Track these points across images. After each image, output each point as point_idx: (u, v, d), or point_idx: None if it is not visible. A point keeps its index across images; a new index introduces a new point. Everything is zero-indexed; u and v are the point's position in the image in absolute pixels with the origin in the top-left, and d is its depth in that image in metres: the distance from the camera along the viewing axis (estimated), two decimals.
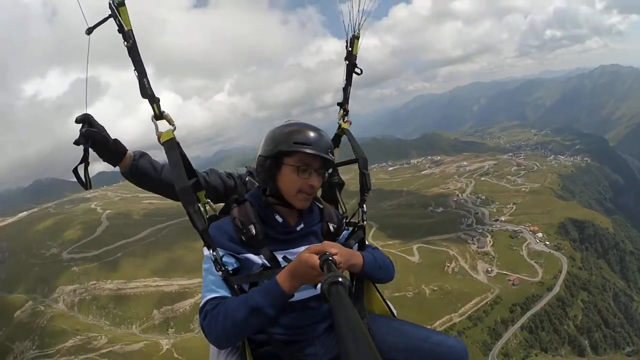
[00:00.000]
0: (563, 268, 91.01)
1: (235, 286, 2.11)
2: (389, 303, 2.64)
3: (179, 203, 2.16)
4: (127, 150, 2.50)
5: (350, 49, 3.15)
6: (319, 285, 1.55)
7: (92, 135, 2.26)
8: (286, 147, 2.14)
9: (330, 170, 2.88)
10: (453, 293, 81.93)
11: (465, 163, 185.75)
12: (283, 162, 2.19)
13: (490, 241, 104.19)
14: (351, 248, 2.43)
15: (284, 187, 2.23)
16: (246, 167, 3.30)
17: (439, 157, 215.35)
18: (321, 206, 2.54)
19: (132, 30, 2.29)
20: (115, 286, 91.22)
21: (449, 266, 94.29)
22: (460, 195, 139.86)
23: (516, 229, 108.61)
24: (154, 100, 2.37)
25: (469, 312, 77.89)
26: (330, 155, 2.21)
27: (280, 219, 2.30)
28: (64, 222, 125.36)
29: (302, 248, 2.10)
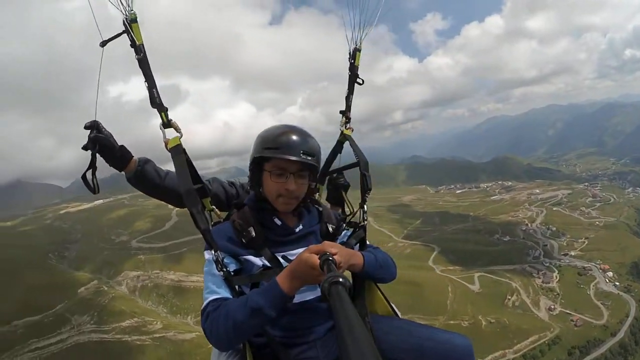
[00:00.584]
0: (631, 312, 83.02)
1: (237, 287, 2.13)
2: (391, 303, 2.63)
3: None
4: (133, 156, 2.61)
5: (352, 60, 3.19)
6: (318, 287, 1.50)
7: (100, 141, 2.36)
8: (257, 153, 2.19)
9: (336, 174, 3.18)
10: (510, 328, 77.49)
11: (537, 191, 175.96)
12: (263, 168, 2.24)
13: (556, 277, 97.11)
14: (352, 248, 2.46)
15: (266, 192, 2.27)
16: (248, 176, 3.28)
17: (509, 183, 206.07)
18: (320, 208, 2.56)
19: (143, 44, 2.42)
20: (176, 277, 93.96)
21: (509, 299, 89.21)
22: (529, 224, 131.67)
23: (586, 265, 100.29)
24: (162, 109, 2.47)
25: (525, 350, 73.28)
26: (305, 157, 2.17)
27: (279, 222, 2.32)
28: (136, 214, 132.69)
29: (301, 249, 2.07)
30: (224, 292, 2.06)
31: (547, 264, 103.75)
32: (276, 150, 2.12)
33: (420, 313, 74.62)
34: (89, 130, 2.37)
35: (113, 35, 2.43)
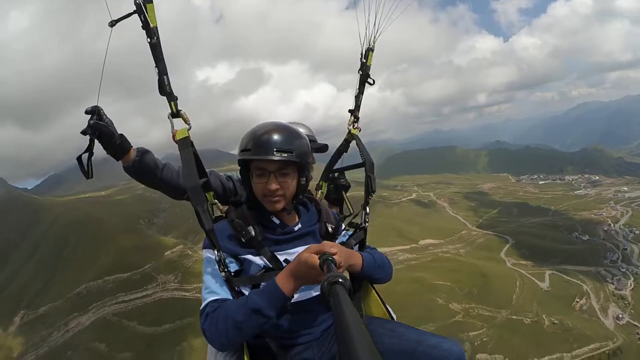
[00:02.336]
0: None
1: (236, 288, 2.10)
2: (387, 306, 2.56)
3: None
4: (132, 146, 2.51)
5: (364, 60, 3.14)
6: (318, 286, 1.62)
7: (99, 128, 2.25)
8: (239, 156, 2.16)
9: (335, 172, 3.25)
10: (572, 331, 73.95)
11: (625, 188, 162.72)
12: (249, 169, 2.21)
13: (631, 284, 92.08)
14: (352, 248, 2.46)
15: (255, 192, 2.23)
16: None
17: (597, 177, 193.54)
18: (319, 207, 2.51)
19: (157, 27, 2.31)
20: None
21: (577, 302, 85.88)
22: (612, 225, 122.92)
23: None
24: (172, 98, 2.39)
25: (583, 356, 69.49)
26: (280, 155, 2.07)
27: (277, 221, 2.28)
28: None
29: (300, 248, 2.10)
30: (224, 293, 2.05)
31: (624, 270, 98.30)
32: (248, 152, 2.09)
33: (484, 304, 75.48)
34: (89, 115, 2.26)
35: (124, 14, 2.32)
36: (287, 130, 2.17)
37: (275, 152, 2.07)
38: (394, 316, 2.54)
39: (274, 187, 2.15)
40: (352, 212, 3.14)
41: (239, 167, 2.28)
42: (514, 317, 74.72)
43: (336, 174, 3.36)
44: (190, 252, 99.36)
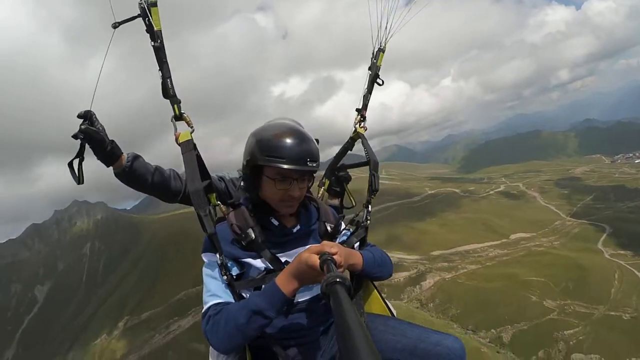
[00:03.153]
0: None
1: (238, 291, 2.10)
2: (388, 303, 2.59)
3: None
4: (122, 152, 2.46)
5: (375, 60, 3.15)
6: (318, 286, 1.58)
7: (90, 134, 2.20)
8: (261, 160, 2.07)
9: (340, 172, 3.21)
10: None
11: None
12: (263, 173, 2.14)
13: None
14: (353, 247, 2.47)
15: (267, 197, 2.21)
16: (238, 171, 3.21)
17: None
18: (317, 206, 2.48)
19: (161, 30, 2.32)
20: None
21: None
22: None
23: None
24: (175, 101, 2.41)
25: None
26: (311, 164, 2.08)
27: (276, 222, 2.26)
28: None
29: (300, 249, 2.13)
30: (226, 296, 2.06)
31: None
32: (282, 160, 2.03)
33: (580, 300, 70.61)
34: (81, 119, 2.21)
35: (128, 17, 2.35)
36: (309, 139, 2.17)
37: (308, 163, 2.09)
38: (394, 313, 2.57)
39: (297, 194, 2.18)
40: (354, 204, 3.14)
41: (248, 171, 2.22)
42: (612, 313, 67.97)
43: (339, 172, 3.33)
44: None
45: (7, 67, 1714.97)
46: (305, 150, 2.07)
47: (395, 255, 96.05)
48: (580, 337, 60.67)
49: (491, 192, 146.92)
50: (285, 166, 2.02)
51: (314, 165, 2.11)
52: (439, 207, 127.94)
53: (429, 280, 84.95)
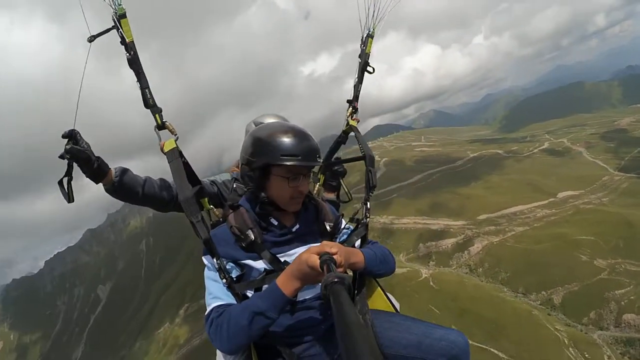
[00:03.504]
0: None
1: (239, 292, 2.11)
2: (391, 298, 2.63)
3: None
4: (110, 168, 2.46)
5: (364, 47, 3.10)
6: (319, 285, 1.57)
7: (75, 153, 2.20)
8: (274, 160, 2.09)
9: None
10: None
11: None
12: (271, 173, 2.16)
13: None
14: (354, 245, 2.47)
15: (275, 196, 2.20)
16: (229, 172, 3.38)
17: None
18: (315, 203, 2.48)
19: (133, 42, 2.32)
20: (388, 220, 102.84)
21: None
22: None
23: None
24: (155, 111, 2.43)
25: None
26: (319, 159, 2.18)
27: (275, 222, 2.27)
28: (348, 167, 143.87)
29: (300, 249, 2.19)
30: (228, 298, 2.07)
31: None
32: (297, 157, 2.08)
33: (631, 258, 67.55)
34: (66, 140, 2.21)
35: (102, 30, 2.34)
36: (310, 135, 2.23)
37: (317, 158, 2.18)
38: (398, 308, 2.61)
39: (306, 189, 2.25)
40: (350, 198, 3.24)
41: (255, 170, 2.19)
42: None
43: (335, 167, 3.36)
44: None
45: (45, 89, 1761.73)
46: (313, 146, 2.17)
47: (441, 222, 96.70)
48: (632, 297, 59.49)
49: (535, 151, 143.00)
50: (302, 164, 2.10)
51: (320, 160, 2.23)
52: (483, 170, 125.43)
53: (476, 245, 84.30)
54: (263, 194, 2.22)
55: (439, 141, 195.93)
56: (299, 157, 2.09)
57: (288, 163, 2.08)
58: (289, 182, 2.16)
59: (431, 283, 72.09)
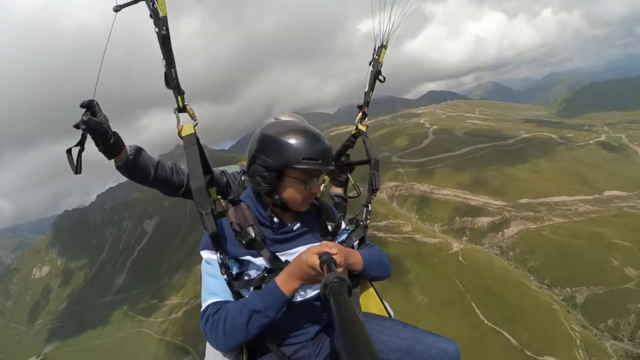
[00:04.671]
0: None
1: (238, 290, 2.10)
2: (385, 303, 2.59)
3: None
4: (125, 145, 2.37)
5: (377, 56, 3.12)
6: (316, 286, 1.61)
7: (92, 125, 2.09)
8: (295, 163, 2.05)
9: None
10: None
11: None
12: (286, 174, 2.11)
13: None
14: (352, 246, 2.48)
15: (288, 198, 2.17)
16: (239, 164, 3.34)
17: None
18: (317, 203, 2.46)
19: (166, 17, 2.18)
20: (429, 189, 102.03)
21: None
22: None
23: None
24: (179, 92, 2.33)
25: None
26: (333, 161, 2.20)
27: (276, 219, 2.24)
28: (395, 132, 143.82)
29: (300, 248, 2.16)
30: (225, 295, 2.06)
31: None
32: (318, 162, 2.07)
33: None
34: (84, 110, 2.10)
35: (130, 0, 2.18)
36: (324, 136, 2.21)
37: (332, 161, 2.25)
38: (392, 313, 2.58)
39: (319, 190, 2.31)
40: (359, 193, 3.17)
41: (271, 172, 2.12)
42: None
43: (342, 164, 3.32)
44: None
45: (100, 41, 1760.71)
46: (329, 149, 2.19)
47: (480, 199, 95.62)
48: None
49: (590, 142, 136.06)
50: (321, 167, 2.10)
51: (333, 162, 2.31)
52: (532, 153, 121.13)
53: (512, 228, 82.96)
54: (277, 196, 2.19)
55: (492, 116, 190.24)
56: (320, 161, 2.09)
57: (310, 167, 2.07)
58: (305, 184, 2.15)
59: (460, 258, 72.76)
